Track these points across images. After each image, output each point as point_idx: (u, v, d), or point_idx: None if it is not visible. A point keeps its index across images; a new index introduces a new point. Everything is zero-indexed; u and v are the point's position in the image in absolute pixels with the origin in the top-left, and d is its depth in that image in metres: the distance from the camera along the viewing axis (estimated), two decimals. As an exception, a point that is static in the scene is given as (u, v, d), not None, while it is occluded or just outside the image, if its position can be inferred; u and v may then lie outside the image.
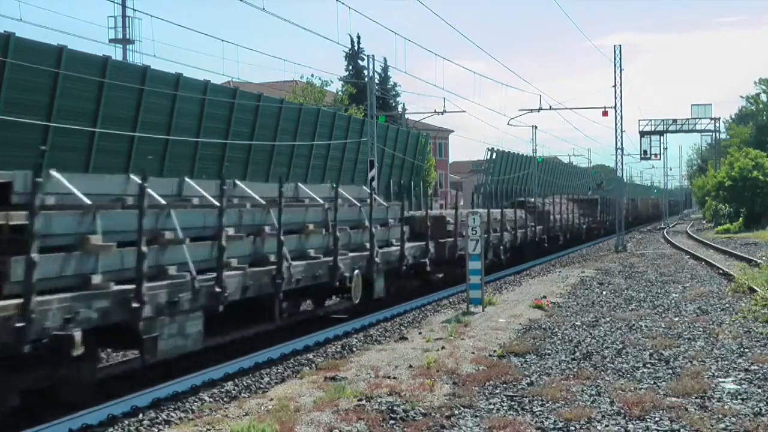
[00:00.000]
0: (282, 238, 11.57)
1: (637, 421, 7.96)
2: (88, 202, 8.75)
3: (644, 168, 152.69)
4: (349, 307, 15.27)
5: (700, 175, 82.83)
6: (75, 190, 8.84)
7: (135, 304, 8.51)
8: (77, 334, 7.71)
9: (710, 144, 78.57)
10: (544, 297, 18.16)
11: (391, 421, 8.07)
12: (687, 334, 13.15)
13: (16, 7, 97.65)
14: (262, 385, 10.31)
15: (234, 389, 10.10)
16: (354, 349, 12.71)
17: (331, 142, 32.48)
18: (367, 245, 14.86)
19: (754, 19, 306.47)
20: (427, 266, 17.93)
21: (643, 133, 62.98)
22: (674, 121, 65.18)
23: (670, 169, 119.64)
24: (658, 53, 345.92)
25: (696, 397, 8.87)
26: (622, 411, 8.34)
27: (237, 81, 35.13)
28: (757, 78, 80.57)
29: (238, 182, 12.69)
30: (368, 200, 15.39)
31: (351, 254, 14.29)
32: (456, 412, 8.43)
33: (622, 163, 42.24)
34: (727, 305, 16.59)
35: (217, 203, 10.45)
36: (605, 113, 42.53)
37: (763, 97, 76.81)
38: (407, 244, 16.84)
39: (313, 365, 11.43)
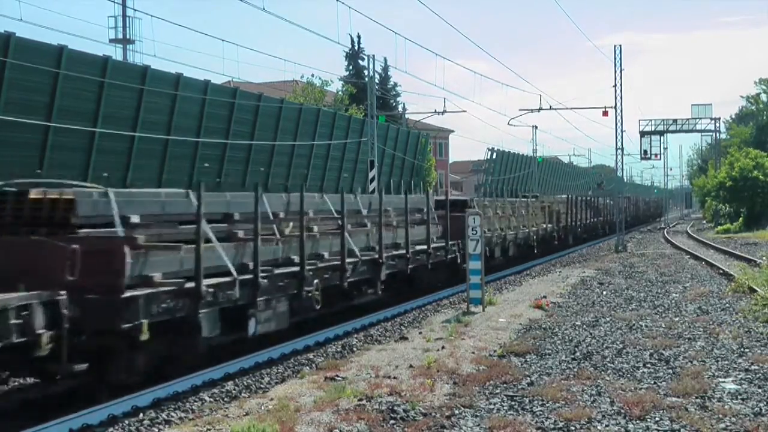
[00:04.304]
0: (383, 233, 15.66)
1: (638, 421, 7.97)
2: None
3: (644, 168, 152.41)
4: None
5: (701, 175, 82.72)
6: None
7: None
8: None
9: (710, 144, 78.53)
10: (545, 297, 18.15)
11: (392, 421, 8.08)
12: (687, 334, 13.15)
13: (16, 7, 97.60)
14: (262, 385, 10.32)
15: (234, 389, 10.11)
16: (354, 349, 12.72)
17: (332, 142, 32.44)
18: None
19: (754, 19, 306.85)
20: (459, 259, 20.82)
21: (643, 133, 62.85)
22: (674, 121, 65.06)
23: (671, 169, 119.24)
24: (658, 53, 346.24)
25: (696, 397, 8.87)
26: (623, 411, 8.34)
27: (237, 81, 35.11)
28: (757, 78, 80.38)
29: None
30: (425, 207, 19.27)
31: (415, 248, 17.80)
32: (456, 412, 8.43)
33: (622, 163, 42.21)
34: (727, 305, 16.59)
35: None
36: (605, 113, 42.53)
37: (764, 97, 76.68)
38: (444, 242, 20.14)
39: (314, 365, 11.44)
